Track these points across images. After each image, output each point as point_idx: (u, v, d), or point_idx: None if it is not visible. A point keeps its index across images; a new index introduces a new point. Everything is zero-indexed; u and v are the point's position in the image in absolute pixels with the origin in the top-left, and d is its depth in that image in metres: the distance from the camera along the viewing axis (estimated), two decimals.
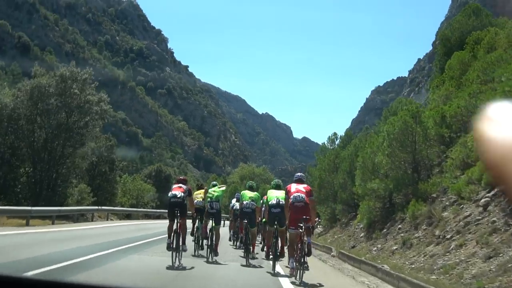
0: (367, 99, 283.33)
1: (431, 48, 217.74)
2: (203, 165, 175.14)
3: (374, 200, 17.23)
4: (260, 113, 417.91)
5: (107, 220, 29.92)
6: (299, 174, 10.35)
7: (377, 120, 39.98)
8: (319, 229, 49.05)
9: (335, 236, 22.01)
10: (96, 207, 27.80)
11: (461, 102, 14.23)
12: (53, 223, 20.63)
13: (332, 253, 16.76)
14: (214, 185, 13.57)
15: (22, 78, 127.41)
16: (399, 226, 14.81)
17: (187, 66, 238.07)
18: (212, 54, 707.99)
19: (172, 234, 10.24)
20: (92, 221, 26.85)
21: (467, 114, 14.10)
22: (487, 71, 15.30)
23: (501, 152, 0.45)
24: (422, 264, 10.53)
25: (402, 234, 13.92)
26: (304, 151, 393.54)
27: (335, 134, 28.35)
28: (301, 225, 8.99)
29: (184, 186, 11.04)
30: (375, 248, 15.00)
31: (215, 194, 12.48)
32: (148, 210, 39.16)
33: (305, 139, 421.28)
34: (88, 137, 28.37)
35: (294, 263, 9.10)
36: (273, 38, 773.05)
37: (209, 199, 12.48)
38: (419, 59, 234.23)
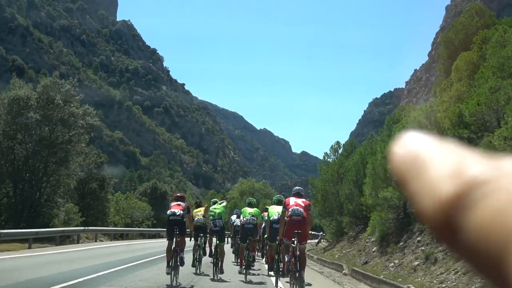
0: (364, 111, 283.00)
1: (427, 58, 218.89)
2: (202, 182, 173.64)
3: (387, 211, 15.80)
4: (258, 128, 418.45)
5: (96, 241, 27.88)
6: (297, 188, 9.97)
7: (379, 129, 38.60)
8: (323, 243, 46.69)
9: (343, 251, 20.51)
10: (82, 228, 25.47)
11: (481, 99, 12.90)
12: (29, 247, 18.99)
13: (343, 271, 15.19)
14: (214, 202, 13.45)
15: None
16: (418, 238, 13.38)
17: (183, 84, 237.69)
18: (208, 72, 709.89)
19: (172, 256, 10.04)
20: (78, 243, 24.72)
21: (488, 112, 12.76)
22: (505, 66, 14.00)
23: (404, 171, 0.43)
24: (454, 283, 9.09)
25: (422, 248, 12.49)
26: (304, 165, 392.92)
27: (338, 143, 26.90)
28: (294, 239, 8.88)
29: (182, 204, 10.81)
30: (392, 264, 13.52)
31: (217, 211, 12.42)
32: (143, 229, 37.30)
33: (304, 153, 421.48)
34: (73, 152, 26.17)
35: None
36: (268, 53, 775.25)
37: (211, 216, 12.40)
38: (415, 70, 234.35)
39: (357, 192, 19.75)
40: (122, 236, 32.75)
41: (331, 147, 26.49)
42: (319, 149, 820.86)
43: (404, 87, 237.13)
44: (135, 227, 36.64)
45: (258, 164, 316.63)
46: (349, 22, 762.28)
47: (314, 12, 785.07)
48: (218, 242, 12.16)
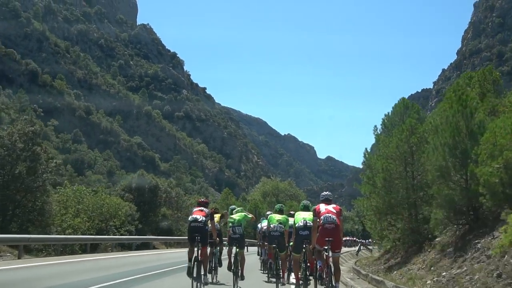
0: (385, 115, 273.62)
1: (455, 57, 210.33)
2: (225, 187, 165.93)
3: None
4: (282, 134, 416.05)
5: (19, 258, 16.81)
6: (325, 193, 9.70)
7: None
8: (364, 252, 38.93)
9: (440, 271, 11.66)
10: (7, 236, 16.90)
11: None
12: None
13: None
14: (233, 209, 13.31)
15: (29, 105, 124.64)
16: None
17: (204, 88, 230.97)
18: (230, 79, 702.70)
19: (193, 259, 9.94)
20: None
21: None
22: None
23: None
24: None
25: None
26: (329, 170, 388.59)
27: (403, 99, 18.99)
28: (326, 247, 8.71)
29: (205, 209, 10.70)
30: None
31: (237, 218, 12.24)
32: (120, 237, 26.48)
33: (329, 158, 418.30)
34: None
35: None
36: (290, 60, 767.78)
37: (230, 224, 12.17)
38: (443, 70, 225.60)
39: (457, 165, 11.70)
40: (91, 248, 22.82)
41: (395, 106, 18.68)
42: (344, 154, 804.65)
43: (432, 87, 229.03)
44: (110, 234, 26.37)
45: (283, 170, 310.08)
46: (374, 26, 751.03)
47: (339, 20, 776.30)
48: (238, 249, 11.75)
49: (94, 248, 23.51)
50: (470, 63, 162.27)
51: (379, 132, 20.02)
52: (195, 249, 10.00)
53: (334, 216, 8.78)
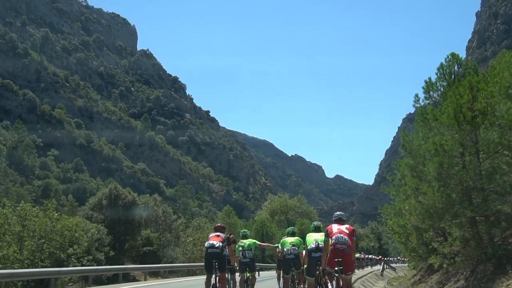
0: (399, 128, 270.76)
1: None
2: (234, 211, 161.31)
3: None
4: (290, 155, 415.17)
5: None
6: (338, 213, 9.24)
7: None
8: (389, 272, 35.01)
9: None
10: None
11: None
12: None
13: None
14: (244, 234, 12.92)
15: (28, 135, 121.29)
16: None
17: (208, 111, 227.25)
18: (233, 103, 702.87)
19: (211, 281, 10.01)
20: None
21: None
22: None
23: None
24: None
25: None
26: (339, 189, 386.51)
27: (453, 55, 14.36)
28: (337, 268, 8.37)
29: (222, 235, 10.50)
30: None
31: (247, 243, 12.27)
32: (74, 268, 18.98)
33: (338, 177, 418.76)
34: None
35: None
36: (293, 82, 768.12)
37: (240, 248, 12.15)
38: None
39: None
40: (43, 286, 17.66)
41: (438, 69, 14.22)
42: (353, 172, 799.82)
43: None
44: (70, 266, 19.73)
45: (292, 191, 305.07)
46: (378, 44, 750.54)
47: (343, 41, 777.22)
48: (249, 274, 11.97)
49: (45, 286, 17.86)
50: None
51: (421, 103, 15.17)
52: (213, 276, 9.96)
53: (346, 237, 8.62)
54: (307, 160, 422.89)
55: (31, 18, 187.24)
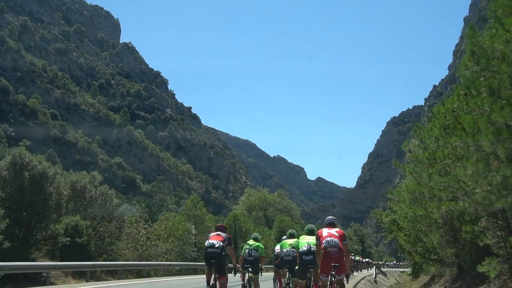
0: (383, 131, 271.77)
1: (447, 72, 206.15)
2: (212, 209, 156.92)
3: None
4: (272, 156, 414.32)
5: None
6: (330, 217, 9.52)
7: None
8: (381, 278, 32.34)
9: None
10: None
11: None
12: None
13: None
14: (255, 237, 12.62)
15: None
16: None
17: (190, 108, 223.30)
18: (216, 102, 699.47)
19: (211, 281, 9.91)
20: None
21: None
22: None
23: None
24: None
25: None
26: (320, 191, 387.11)
27: None
28: (333, 272, 8.56)
29: (223, 234, 10.33)
30: None
31: (255, 244, 12.11)
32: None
33: (319, 179, 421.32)
34: None
35: None
36: (277, 83, 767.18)
37: (247, 246, 12.14)
38: (434, 86, 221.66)
39: None
40: None
41: None
42: (335, 175, 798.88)
43: (423, 104, 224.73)
44: None
45: (273, 192, 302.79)
46: (362, 49, 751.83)
47: (328, 45, 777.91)
48: (251, 274, 11.75)
49: None
50: None
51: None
52: (213, 276, 9.87)
53: (336, 240, 8.72)
54: (289, 161, 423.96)
55: (10, 6, 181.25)
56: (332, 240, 8.65)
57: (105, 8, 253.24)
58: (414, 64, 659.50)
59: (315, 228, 10.76)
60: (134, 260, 27.48)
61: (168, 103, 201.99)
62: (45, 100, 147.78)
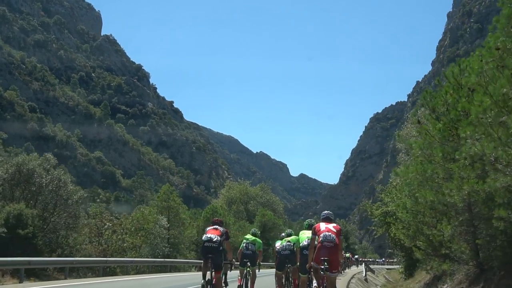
0: (366, 127, 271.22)
1: (430, 68, 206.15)
2: (194, 205, 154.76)
3: None
4: (255, 152, 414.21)
5: None
6: (326, 212, 9.45)
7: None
8: (378, 276, 30.83)
9: None
10: None
11: None
12: None
13: None
14: (254, 232, 13.03)
15: None
16: None
17: (172, 102, 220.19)
18: (199, 97, 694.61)
19: (207, 280, 9.68)
20: None
21: None
22: None
23: None
24: None
25: None
26: (302, 188, 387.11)
27: None
28: (323, 267, 8.42)
29: (220, 228, 10.18)
30: None
31: (252, 238, 12.56)
32: None
33: (302, 176, 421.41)
34: None
35: None
36: (260, 78, 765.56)
37: (245, 240, 12.56)
38: (418, 82, 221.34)
39: None
40: None
41: None
42: (318, 171, 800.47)
43: (406, 100, 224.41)
44: None
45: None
46: (344, 46, 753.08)
47: (310, 42, 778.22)
48: (249, 266, 12.13)
49: None
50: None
51: None
52: (208, 272, 9.75)
53: (333, 235, 8.64)
54: (272, 157, 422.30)
55: None
56: (329, 235, 8.59)
57: (86, 0, 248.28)
58: (398, 60, 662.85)
59: (314, 223, 10.48)
60: (97, 256, 24.46)
61: (150, 97, 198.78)
62: (23, 92, 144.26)
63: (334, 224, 9.02)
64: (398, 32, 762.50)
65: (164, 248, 32.01)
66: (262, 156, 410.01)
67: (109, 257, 24.93)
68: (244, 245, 12.34)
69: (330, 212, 9.47)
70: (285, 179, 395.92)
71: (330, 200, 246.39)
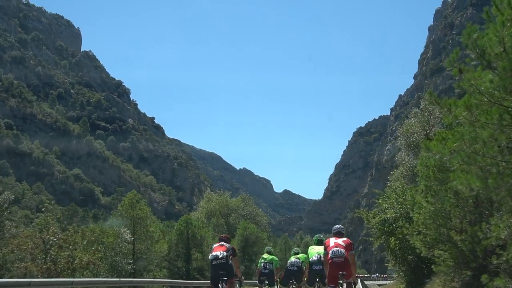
0: (349, 141, 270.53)
1: (413, 81, 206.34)
2: (176, 221, 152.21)
3: None
4: (238, 168, 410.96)
5: None
6: (337, 226, 9.31)
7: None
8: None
9: None
10: None
11: None
12: None
13: None
14: (268, 250, 13.57)
15: None
16: None
17: (153, 118, 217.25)
18: (180, 114, 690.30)
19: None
20: None
21: None
22: None
23: None
24: None
25: None
26: (286, 204, 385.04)
27: None
28: (340, 281, 8.51)
29: (226, 245, 9.93)
30: None
31: (270, 257, 12.95)
32: None
33: (286, 192, 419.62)
34: None
35: None
36: (241, 98, 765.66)
37: (263, 260, 12.89)
38: (400, 95, 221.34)
39: None
40: None
41: None
42: (301, 187, 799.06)
43: (389, 114, 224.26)
44: None
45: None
46: (326, 60, 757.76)
47: (293, 55, 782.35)
48: (267, 284, 12.36)
49: None
50: (432, 82, 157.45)
51: None
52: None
53: (342, 250, 8.60)
54: (256, 174, 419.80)
55: None
56: (338, 250, 8.59)
57: (65, 17, 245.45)
58: (380, 74, 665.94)
59: (323, 238, 10.76)
60: (41, 276, 19.13)
61: (130, 113, 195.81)
62: None
63: (344, 239, 8.89)
64: (380, 46, 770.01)
65: (126, 266, 27.33)
66: (245, 173, 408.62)
67: (55, 278, 19.94)
68: (262, 264, 12.75)
69: (342, 227, 9.34)
70: (269, 196, 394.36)
71: (315, 215, 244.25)
